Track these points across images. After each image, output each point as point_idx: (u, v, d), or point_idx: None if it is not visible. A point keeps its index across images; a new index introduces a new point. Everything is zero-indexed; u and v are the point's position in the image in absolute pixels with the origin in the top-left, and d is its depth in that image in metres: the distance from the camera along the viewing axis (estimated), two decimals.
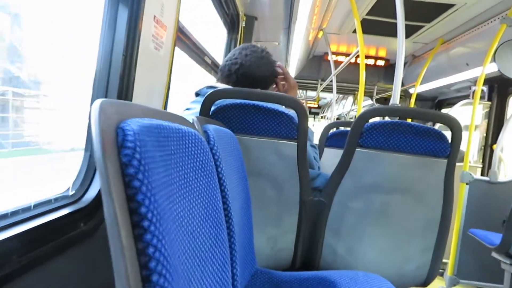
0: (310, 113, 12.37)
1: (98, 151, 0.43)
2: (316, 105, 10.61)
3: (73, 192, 0.96)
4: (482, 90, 3.94)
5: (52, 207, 0.87)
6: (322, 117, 13.39)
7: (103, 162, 0.42)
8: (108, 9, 1.05)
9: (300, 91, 8.64)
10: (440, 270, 3.25)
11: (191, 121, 1.00)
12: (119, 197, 0.43)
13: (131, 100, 1.10)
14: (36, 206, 0.83)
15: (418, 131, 1.48)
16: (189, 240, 0.65)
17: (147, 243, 0.45)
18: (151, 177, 0.49)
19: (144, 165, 0.48)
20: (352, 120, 4.21)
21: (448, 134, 1.51)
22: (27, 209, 0.79)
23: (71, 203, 0.94)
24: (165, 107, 1.42)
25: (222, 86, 1.66)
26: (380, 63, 4.98)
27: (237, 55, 1.66)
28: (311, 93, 8.67)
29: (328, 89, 5.64)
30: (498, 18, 2.91)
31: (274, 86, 1.82)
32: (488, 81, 3.77)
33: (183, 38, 1.88)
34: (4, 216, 0.73)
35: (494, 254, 2.45)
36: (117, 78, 1.05)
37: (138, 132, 0.50)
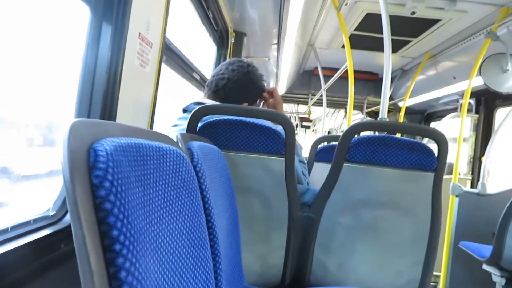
0: (302, 126, 12.42)
1: (67, 173, 0.42)
2: (308, 118, 10.67)
3: (54, 212, 0.94)
4: (470, 103, 3.99)
5: (31, 228, 0.85)
6: (313, 130, 13.44)
7: (71, 184, 0.41)
8: (91, 25, 1.05)
9: (291, 105, 8.68)
10: (432, 283, 3.23)
11: (177, 137, 1.00)
12: (88, 220, 0.42)
13: (115, 119, 1.09)
14: (14, 228, 0.81)
15: (405, 145, 1.49)
16: (168, 261, 0.63)
17: (119, 267, 0.44)
18: (124, 198, 0.48)
19: (116, 186, 0.47)
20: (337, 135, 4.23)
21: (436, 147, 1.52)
22: (3, 231, 0.77)
23: (51, 224, 0.92)
24: (151, 124, 1.41)
25: (209, 102, 1.66)
26: (370, 77, 5.03)
27: (224, 70, 1.66)
28: (302, 107, 8.71)
29: (319, 103, 5.67)
30: (483, 32, 2.97)
31: (263, 102, 1.82)
32: (475, 94, 3.82)
33: (170, 55, 1.88)
34: None
35: (485, 267, 2.45)
36: (101, 96, 1.04)
37: (112, 152, 0.49)
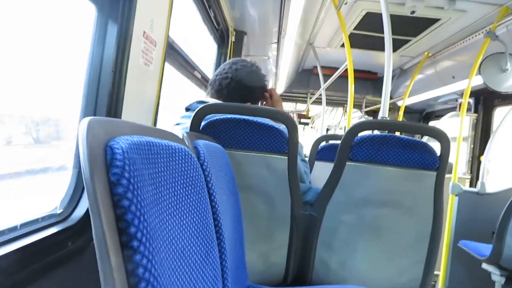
0: (300, 123, 12.45)
1: (87, 170, 0.42)
2: (306, 116, 10.68)
3: (61, 210, 0.95)
4: (469, 103, 4.01)
5: (39, 226, 0.85)
6: (312, 127, 13.48)
7: (91, 181, 0.42)
8: (97, 24, 1.05)
9: (290, 103, 8.69)
10: (432, 283, 3.25)
11: (180, 137, 1.00)
12: (108, 217, 0.43)
13: (120, 116, 1.09)
14: (23, 226, 0.81)
15: (407, 144, 1.49)
16: (179, 259, 0.64)
17: (137, 264, 0.44)
18: (140, 196, 0.48)
19: (133, 184, 0.47)
20: (342, 132, 4.24)
21: (437, 146, 1.53)
22: (13, 229, 0.78)
23: (59, 222, 0.92)
24: (155, 122, 1.41)
25: (212, 100, 1.66)
26: (369, 76, 5.04)
27: (228, 70, 1.66)
28: (301, 106, 8.72)
29: (318, 101, 5.68)
30: (482, 32, 2.98)
31: (264, 103, 1.83)
32: (474, 93, 3.84)
33: (173, 53, 1.88)
34: None
35: (484, 266, 2.46)
36: (107, 94, 1.05)
37: (127, 150, 0.50)
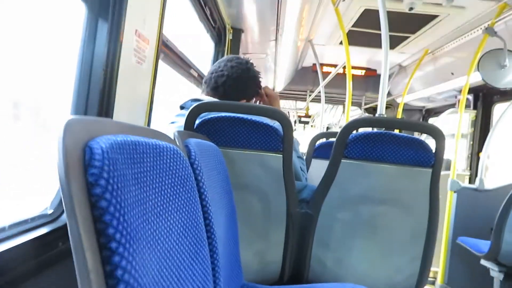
0: (300, 122, 12.42)
1: (62, 171, 0.41)
2: (305, 115, 10.66)
3: (52, 211, 0.94)
4: (468, 99, 3.99)
5: (28, 227, 0.85)
6: (312, 126, 13.46)
7: (66, 182, 0.41)
8: (87, 22, 1.05)
9: (290, 101, 8.68)
10: (431, 279, 3.25)
11: (174, 134, 1.00)
12: (84, 218, 0.42)
13: (112, 116, 1.08)
14: (12, 226, 0.81)
15: (402, 141, 1.49)
16: (166, 258, 0.63)
17: (115, 265, 0.43)
18: (120, 196, 0.48)
19: (112, 184, 0.46)
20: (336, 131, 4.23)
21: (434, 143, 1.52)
22: (0, 230, 0.77)
23: (49, 222, 0.91)
24: (149, 121, 1.40)
25: (207, 98, 1.65)
26: (368, 73, 5.03)
27: (223, 67, 1.66)
28: (301, 104, 8.72)
29: (317, 99, 5.67)
30: (481, 28, 2.97)
31: (259, 100, 1.82)
32: (473, 90, 3.83)
33: (167, 51, 1.87)
34: None
35: (483, 262, 2.46)
36: (98, 93, 1.04)
37: (108, 150, 0.49)
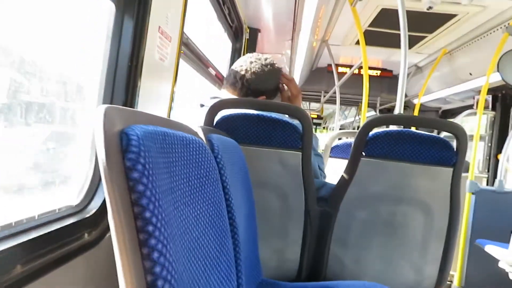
0: (313, 124, 12.36)
1: (102, 156, 0.43)
2: (317, 116, 10.62)
3: (78, 202, 0.96)
4: (486, 100, 3.93)
5: (56, 217, 0.87)
6: (324, 127, 13.37)
7: (107, 166, 0.42)
8: (114, 20, 1.07)
9: (304, 102, 8.67)
10: (448, 282, 3.20)
11: (198, 129, 1.01)
12: (123, 201, 0.43)
13: (136, 109, 1.10)
14: (41, 216, 0.83)
15: (423, 140, 1.47)
16: (194, 247, 0.64)
17: (152, 248, 0.44)
18: (155, 182, 0.49)
19: (148, 170, 0.47)
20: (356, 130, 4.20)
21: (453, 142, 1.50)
22: (31, 219, 0.79)
23: (75, 213, 0.93)
24: (169, 117, 1.42)
25: (226, 95, 1.67)
26: (383, 74, 4.99)
27: (242, 63, 1.68)
28: (314, 105, 8.70)
29: (331, 100, 5.65)
30: (501, 27, 2.92)
31: (278, 95, 1.82)
32: (492, 90, 3.77)
33: (187, 49, 1.89)
34: (8, 225, 0.73)
35: (501, 265, 2.41)
36: (123, 88, 1.06)
37: (142, 137, 0.50)
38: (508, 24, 2.70)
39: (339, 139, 3.18)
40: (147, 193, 0.46)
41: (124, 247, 0.42)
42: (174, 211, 0.57)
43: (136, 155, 0.46)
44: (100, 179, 1.01)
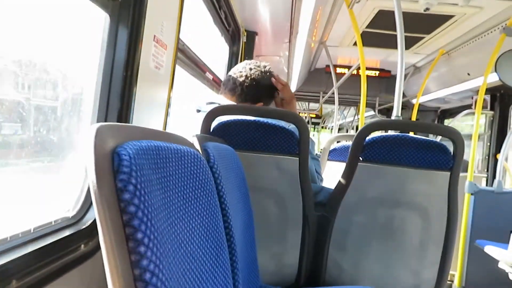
0: (311, 123, 12.37)
1: (93, 177, 0.43)
2: (316, 115, 10.64)
3: (74, 213, 0.96)
4: (485, 100, 3.93)
5: (52, 230, 0.87)
6: (322, 127, 13.37)
7: (97, 188, 0.42)
8: (109, 29, 1.07)
9: (302, 102, 8.67)
10: (448, 282, 3.20)
11: (193, 138, 1.01)
12: (115, 223, 0.43)
13: (131, 120, 1.10)
14: (36, 229, 0.83)
15: (420, 144, 1.48)
16: (189, 262, 0.64)
17: (144, 269, 0.44)
18: (147, 201, 0.49)
19: (140, 190, 0.47)
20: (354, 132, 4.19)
21: (450, 145, 1.51)
22: (26, 232, 0.79)
23: (72, 225, 0.93)
24: (165, 125, 1.42)
25: (223, 100, 1.67)
26: (382, 74, 5.00)
27: (242, 69, 1.68)
28: (313, 105, 8.71)
29: (330, 101, 5.65)
30: (498, 28, 2.92)
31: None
32: (490, 90, 3.77)
33: (183, 56, 1.90)
34: (3, 240, 0.73)
35: (501, 265, 2.42)
36: (118, 98, 1.06)
37: (135, 155, 0.50)
38: (506, 25, 2.70)
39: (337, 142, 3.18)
40: (138, 214, 0.46)
41: (116, 269, 0.42)
42: (168, 227, 0.57)
43: (127, 175, 0.46)
44: None
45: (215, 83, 2.63)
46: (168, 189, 0.62)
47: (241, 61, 3.08)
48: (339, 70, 4.81)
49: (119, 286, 0.42)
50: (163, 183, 0.60)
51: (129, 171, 0.47)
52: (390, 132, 1.74)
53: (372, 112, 6.27)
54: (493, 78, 2.90)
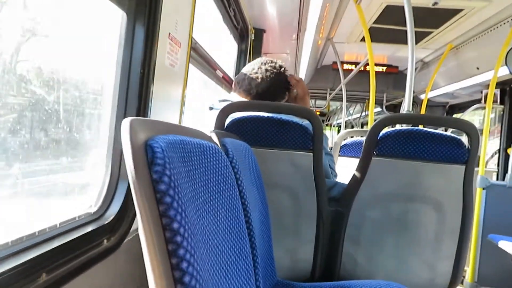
0: None
1: (131, 169, 0.44)
2: (320, 113, 10.60)
3: (96, 209, 0.98)
4: (494, 94, 3.90)
5: (76, 225, 0.88)
6: (327, 124, 13.30)
7: (136, 179, 0.43)
8: (126, 28, 1.08)
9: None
10: None
11: (212, 134, 1.02)
12: (153, 213, 0.44)
13: (149, 116, 1.11)
14: (62, 224, 0.84)
15: (434, 138, 1.47)
16: (215, 254, 0.65)
17: (181, 258, 0.45)
18: (180, 193, 0.50)
19: (174, 181, 0.48)
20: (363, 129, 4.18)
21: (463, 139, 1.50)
22: (53, 227, 0.81)
23: (94, 220, 0.95)
24: (180, 123, 1.44)
25: (235, 98, 1.68)
26: (389, 70, 4.98)
27: (257, 70, 1.68)
28: (320, 102, 8.69)
29: (337, 98, 5.64)
30: (508, 21, 2.90)
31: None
32: (500, 84, 3.74)
33: (196, 54, 1.91)
34: (32, 235, 0.75)
35: None
36: (136, 94, 1.07)
37: (166, 148, 0.51)
38: None
39: (345, 139, 3.18)
40: (174, 204, 0.47)
41: (155, 258, 0.43)
42: (197, 219, 0.58)
43: (162, 167, 0.47)
44: (116, 186, 1.02)
45: (224, 81, 2.63)
46: (195, 182, 0.63)
47: (249, 58, 3.09)
48: (346, 66, 4.80)
49: (159, 275, 0.43)
50: (190, 176, 0.61)
51: (163, 163, 0.48)
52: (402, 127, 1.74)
53: (379, 109, 6.25)
54: (502, 72, 2.88)
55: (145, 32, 1.09)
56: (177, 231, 0.46)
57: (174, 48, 1.27)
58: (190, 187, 0.59)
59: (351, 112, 9.52)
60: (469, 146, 1.46)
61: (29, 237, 0.73)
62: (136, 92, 1.07)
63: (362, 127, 8.90)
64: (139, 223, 0.43)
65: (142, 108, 1.09)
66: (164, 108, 1.26)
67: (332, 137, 11.42)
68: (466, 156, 1.46)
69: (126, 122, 0.47)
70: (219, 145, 0.98)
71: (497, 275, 2.87)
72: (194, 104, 1.72)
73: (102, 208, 0.98)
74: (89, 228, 0.91)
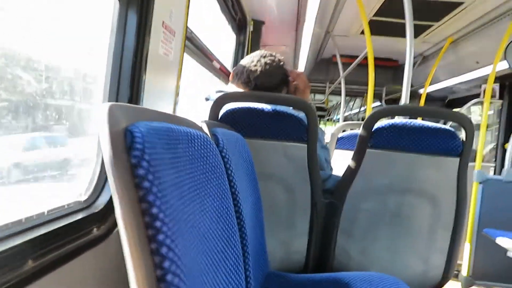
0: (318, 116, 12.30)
1: (107, 153, 0.43)
2: (321, 108, 10.56)
3: (86, 197, 0.97)
4: (493, 89, 3.89)
5: (65, 213, 0.88)
6: (328, 119, 13.29)
7: (113, 164, 0.43)
8: (117, 14, 1.07)
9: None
10: (455, 271, 3.20)
11: (202, 123, 1.01)
12: (130, 198, 0.44)
13: (141, 104, 1.11)
14: (50, 212, 0.84)
15: (428, 130, 1.47)
16: (201, 242, 0.65)
17: (161, 243, 0.45)
18: (161, 178, 0.49)
19: (153, 166, 0.48)
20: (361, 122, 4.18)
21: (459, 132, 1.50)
22: (40, 214, 0.81)
23: (84, 208, 0.95)
24: (174, 112, 1.43)
25: (233, 90, 1.67)
26: (389, 64, 4.95)
27: (256, 63, 1.67)
28: (319, 96, 8.67)
29: (336, 92, 5.63)
30: (508, 15, 2.88)
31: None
32: (499, 79, 3.73)
33: (191, 43, 1.89)
34: (18, 222, 0.74)
35: (509, 254, 2.41)
36: (127, 82, 1.07)
37: (147, 134, 0.51)
38: None
39: (343, 131, 3.17)
40: (153, 189, 0.46)
41: (134, 243, 0.42)
42: (181, 206, 0.57)
43: (140, 152, 0.47)
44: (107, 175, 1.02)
45: (221, 72, 2.62)
46: (179, 169, 0.62)
47: (247, 51, 3.07)
48: (345, 59, 4.78)
49: (138, 260, 0.42)
50: (175, 163, 0.61)
51: (142, 148, 0.47)
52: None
53: (378, 103, 6.23)
54: (502, 67, 2.87)
55: (138, 19, 1.08)
56: (157, 216, 0.45)
57: (168, 37, 1.26)
58: (175, 174, 0.59)
59: (351, 107, 9.51)
60: (463, 139, 1.46)
61: (15, 224, 0.73)
62: (128, 81, 1.06)
63: (363, 121, 8.89)
64: (116, 210, 0.43)
65: (134, 97, 1.08)
66: (157, 99, 1.25)
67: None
68: (460, 148, 1.46)
69: (104, 107, 0.47)
70: (209, 134, 0.97)
71: (492, 269, 2.88)
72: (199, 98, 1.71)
73: (93, 197, 0.98)
74: (78, 216, 0.91)
